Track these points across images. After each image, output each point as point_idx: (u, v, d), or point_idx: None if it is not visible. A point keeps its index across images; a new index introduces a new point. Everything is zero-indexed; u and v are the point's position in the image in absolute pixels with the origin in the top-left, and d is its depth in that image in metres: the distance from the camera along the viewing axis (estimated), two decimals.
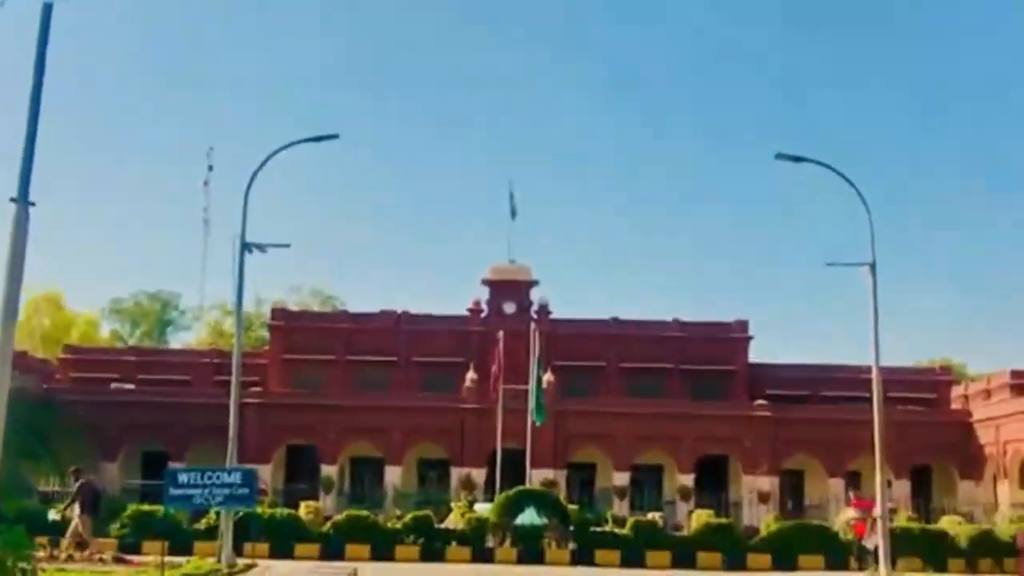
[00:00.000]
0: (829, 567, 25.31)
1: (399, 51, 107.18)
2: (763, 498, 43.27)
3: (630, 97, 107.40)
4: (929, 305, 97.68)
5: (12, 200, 10.33)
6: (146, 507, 27.95)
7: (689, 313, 54.55)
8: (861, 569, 23.11)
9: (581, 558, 26.41)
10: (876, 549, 22.60)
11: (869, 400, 22.45)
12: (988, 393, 50.83)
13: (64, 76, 75.42)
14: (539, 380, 37.97)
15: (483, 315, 51.44)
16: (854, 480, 44.93)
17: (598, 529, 28.93)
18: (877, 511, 22.59)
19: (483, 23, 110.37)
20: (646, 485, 45.29)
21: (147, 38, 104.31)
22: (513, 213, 52.30)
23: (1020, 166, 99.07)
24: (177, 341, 79.21)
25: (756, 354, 53.11)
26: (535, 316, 49.38)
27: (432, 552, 26.51)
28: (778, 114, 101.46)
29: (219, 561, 19.47)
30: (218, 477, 18.25)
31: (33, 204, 10.39)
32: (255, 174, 21.71)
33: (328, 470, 44.48)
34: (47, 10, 10.58)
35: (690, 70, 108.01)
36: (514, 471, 38.11)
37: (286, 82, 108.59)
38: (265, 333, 59.20)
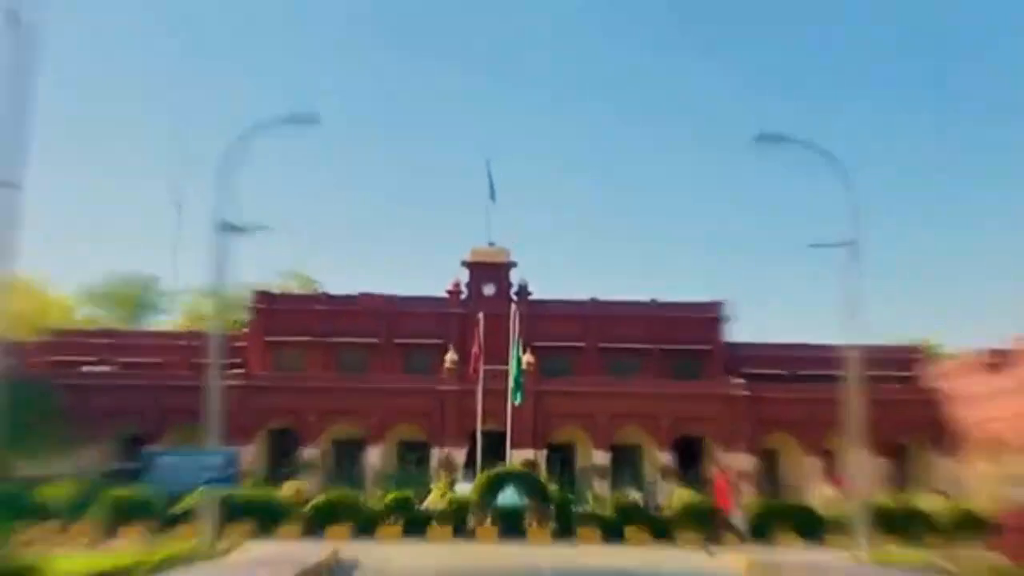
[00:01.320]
0: (807, 545, 25.48)
1: (378, 30, 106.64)
2: (741, 476, 43.48)
3: (611, 80, 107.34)
4: (905, 284, 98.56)
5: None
6: (126, 490, 27.86)
7: (668, 294, 54.61)
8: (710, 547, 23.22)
9: (562, 536, 26.51)
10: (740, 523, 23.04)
11: (846, 379, 22.56)
12: (964, 371, 51.24)
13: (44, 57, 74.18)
14: (518, 361, 38.01)
15: (463, 297, 51.43)
16: (829, 458, 45.39)
17: (578, 509, 29.06)
18: (855, 489, 22.76)
19: (467, 6, 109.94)
20: (626, 464, 45.49)
21: (121, 14, 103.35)
22: (492, 195, 52.24)
23: (1000, 148, 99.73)
24: (154, 324, 78.80)
25: (742, 336, 53.45)
26: (515, 298, 49.38)
27: (413, 531, 26.55)
28: (759, 99, 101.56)
29: (201, 543, 19.40)
30: (199, 459, 18.24)
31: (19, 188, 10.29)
32: (233, 155, 21.54)
33: (310, 452, 44.42)
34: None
35: (672, 55, 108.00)
36: (494, 451, 38.19)
37: (265, 62, 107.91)
38: (244, 316, 58.98)
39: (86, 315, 77.95)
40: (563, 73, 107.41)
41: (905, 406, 46.42)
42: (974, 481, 43.10)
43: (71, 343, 54.47)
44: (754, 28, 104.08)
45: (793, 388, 47.97)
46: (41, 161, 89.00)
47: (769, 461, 47.42)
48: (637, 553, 23.06)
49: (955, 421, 46.42)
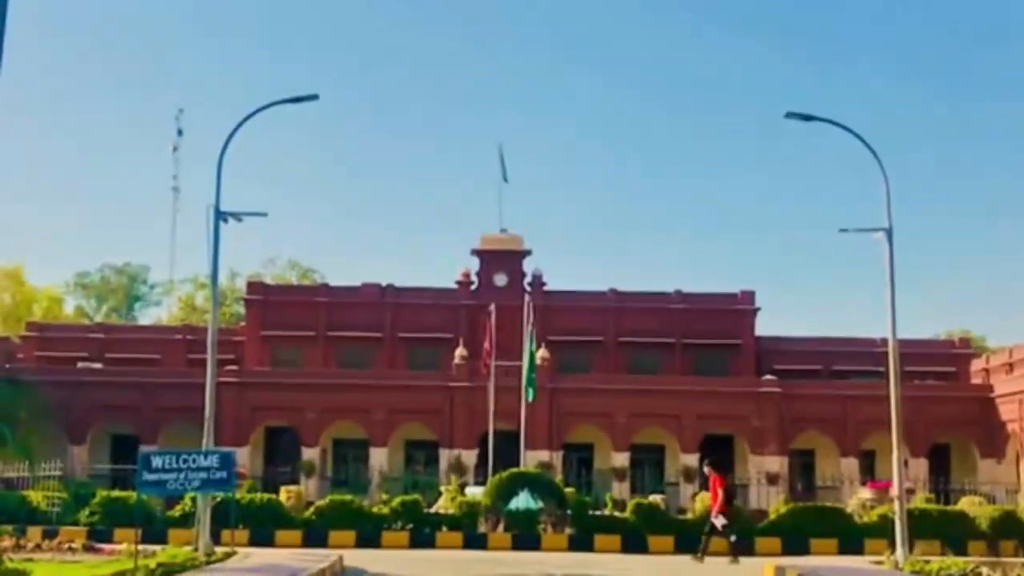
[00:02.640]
0: (843, 551, 25.43)
1: (387, 7, 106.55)
2: (772, 479, 43.46)
3: (632, 59, 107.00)
4: (947, 276, 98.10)
5: None
6: (117, 493, 28.01)
7: (692, 284, 54.60)
8: (699, 553, 23.09)
9: (579, 543, 26.52)
10: (725, 529, 22.92)
11: (884, 375, 22.55)
12: (1010, 367, 51.04)
13: (20, 42, 74.79)
14: (532, 356, 38.02)
15: (473, 287, 51.46)
16: (868, 459, 45.28)
17: (597, 513, 29.05)
18: (894, 492, 22.70)
19: None
20: (647, 466, 45.53)
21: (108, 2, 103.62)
22: (504, 177, 52.26)
23: None
24: (147, 317, 79.38)
25: (764, 327, 53.34)
26: (528, 288, 49.42)
27: (421, 538, 26.58)
28: (789, 79, 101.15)
29: (196, 549, 19.49)
30: (194, 460, 18.28)
31: None
32: (230, 137, 21.58)
33: (310, 452, 44.57)
34: None
35: (695, 35, 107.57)
36: (507, 453, 38.22)
37: (262, 44, 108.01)
38: (240, 308, 59.20)
39: (76, 307, 78.44)
40: (579, 53, 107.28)
41: (947, 404, 46.33)
42: (1021, 484, 42.99)
43: (59, 338, 54.76)
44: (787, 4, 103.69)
45: (828, 385, 47.94)
46: (27, 144, 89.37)
47: (803, 462, 47.42)
48: (658, 561, 23.06)
49: (1000, 420, 46.26)
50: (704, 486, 27.75)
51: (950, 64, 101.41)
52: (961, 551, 24.48)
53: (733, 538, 23.05)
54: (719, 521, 23.26)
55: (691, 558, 22.90)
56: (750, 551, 25.85)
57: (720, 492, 23.70)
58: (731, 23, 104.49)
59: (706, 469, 26.26)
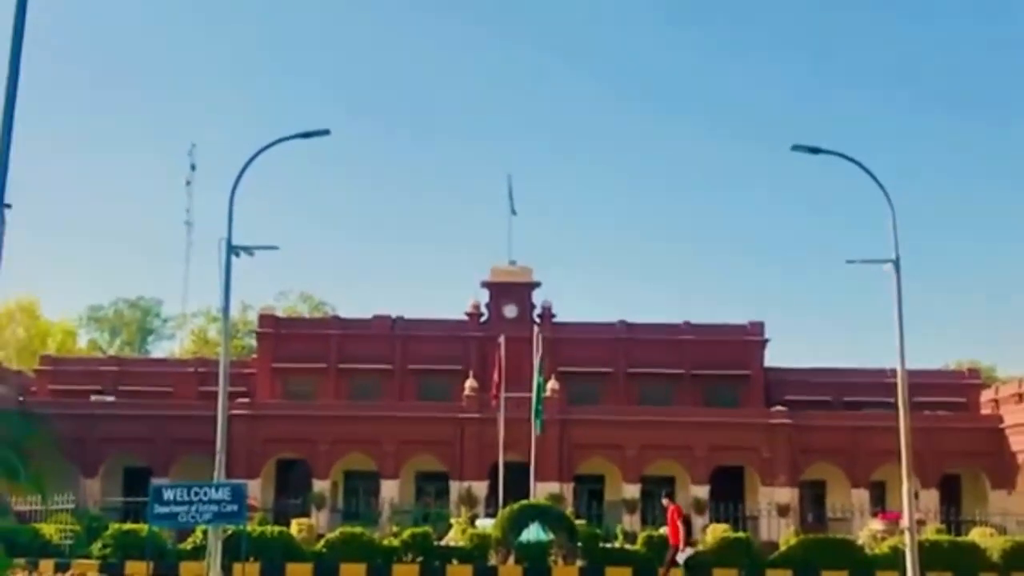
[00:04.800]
0: None
1: (392, 50, 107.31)
2: (782, 511, 43.22)
3: (639, 93, 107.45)
4: (956, 306, 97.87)
5: None
6: (129, 526, 28.00)
7: (701, 315, 54.51)
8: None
9: (590, 575, 26.40)
10: (688, 561, 23.03)
11: (894, 405, 22.46)
12: (1020, 397, 50.74)
13: (38, 75, 75.40)
14: (540, 387, 38.01)
15: (483, 319, 51.48)
16: (878, 490, 45.01)
17: (608, 545, 28.92)
18: (904, 523, 22.60)
19: (484, 22, 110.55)
20: (658, 498, 45.26)
21: (123, 35, 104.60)
22: (513, 210, 52.43)
23: None
24: (159, 350, 79.36)
25: (773, 358, 53.17)
26: (538, 320, 49.43)
27: (431, 571, 26.50)
28: (795, 112, 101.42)
29: None
30: (205, 493, 18.29)
31: (9, 206, 10.41)
32: (242, 172, 21.74)
33: (320, 485, 44.49)
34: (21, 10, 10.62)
35: (701, 66, 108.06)
36: (517, 484, 38.10)
37: (273, 83, 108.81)
38: (252, 341, 59.30)
39: (89, 340, 78.66)
40: (590, 84, 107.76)
41: (957, 434, 46.09)
42: None
43: (73, 371, 54.91)
44: (791, 29, 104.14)
45: (838, 416, 47.77)
46: (41, 178, 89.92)
47: (813, 493, 47.16)
48: None
49: (1010, 450, 46.00)
50: (663, 520, 27.78)
51: (961, 90, 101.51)
52: None
53: (680, 563, 23.38)
54: (684, 554, 23.53)
55: None
56: None
57: (680, 524, 23.94)
58: (743, 51, 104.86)
59: (664, 502, 26.42)
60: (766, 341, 52.61)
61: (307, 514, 38.70)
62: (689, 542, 24.00)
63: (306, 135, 22.50)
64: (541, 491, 38.77)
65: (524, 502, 29.92)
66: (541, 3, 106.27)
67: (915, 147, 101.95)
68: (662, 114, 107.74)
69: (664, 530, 26.50)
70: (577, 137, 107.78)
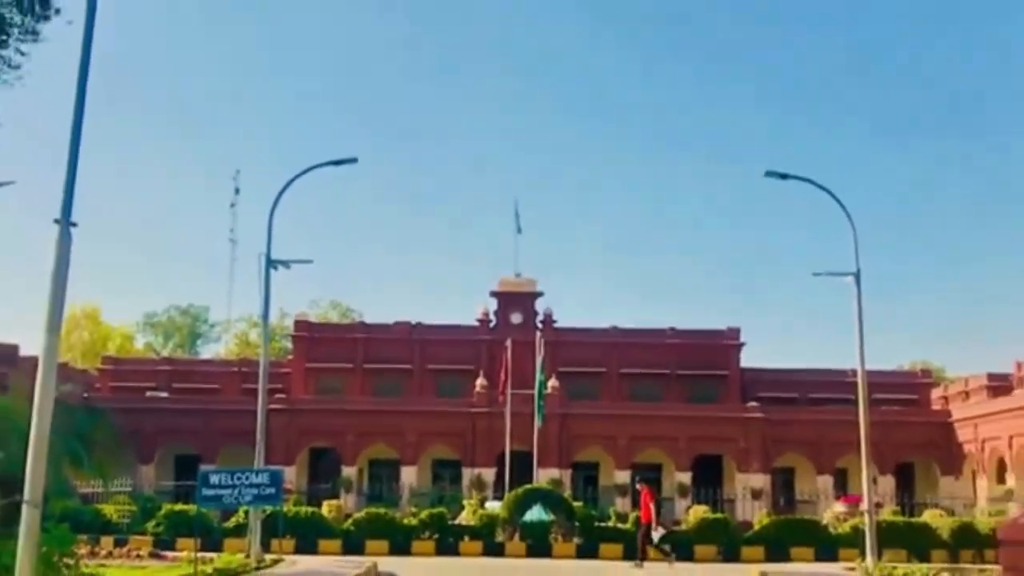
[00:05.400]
0: (819, 559, 25.19)
1: (414, 84, 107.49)
2: (756, 494, 43.09)
3: (632, 127, 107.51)
4: (910, 313, 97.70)
5: (56, 221, 10.37)
6: (179, 506, 28.01)
7: (685, 322, 54.39)
8: (642, 560, 23.11)
9: (586, 551, 26.33)
10: (661, 540, 23.05)
11: (855, 402, 22.38)
12: (967, 394, 50.74)
13: (103, 106, 75.53)
14: (541, 385, 37.95)
15: (492, 325, 51.46)
16: (841, 477, 44.86)
17: (602, 524, 28.85)
18: (864, 505, 22.52)
19: (488, 54, 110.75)
20: (645, 483, 45.11)
21: (180, 76, 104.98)
22: (519, 229, 52.51)
23: (995, 177, 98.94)
24: (207, 352, 79.35)
25: (748, 360, 53.07)
26: (540, 326, 49.38)
27: (446, 546, 26.47)
28: (765, 134, 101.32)
29: (248, 556, 19.46)
30: (247, 478, 18.22)
31: (75, 225, 10.43)
32: (279, 196, 21.78)
33: (348, 471, 44.45)
34: (88, 34, 10.64)
35: (684, 101, 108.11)
36: (522, 471, 38.06)
37: (309, 115, 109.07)
38: (289, 344, 59.28)
39: (145, 343, 78.67)
40: (584, 123, 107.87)
41: (911, 428, 45.96)
42: (977, 498, 42.53)
43: (131, 370, 54.99)
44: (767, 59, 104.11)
45: (806, 411, 47.64)
46: (105, 197, 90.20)
47: (784, 479, 47.04)
48: (655, 567, 22.88)
49: (958, 442, 45.87)
50: (636, 502, 27.64)
51: (915, 121, 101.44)
52: (925, 559, 24.26)
53: (668, 547, 23.30)
54: (658, 532, 23.50)
55: (632, 565, 22.90)
56: (737, 558, 25.69)
57: (651, 506, 23.89)
58: (723, 81, 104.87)
59: (638, 486, 26.30)
60: (742, 344, 52.53)
61: (336, 496, 38.65)
62: (658, 522, 23.98)
63: (336, 163, 22.52)
64: (543, 477, 38.74)
65: (528, 486, 29.88)
66: (537, 36, 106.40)
67: (875, 172, 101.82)
68: (650, 144, 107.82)
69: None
70: (576, 166, 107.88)
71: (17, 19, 14.41)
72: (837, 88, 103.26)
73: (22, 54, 14.67)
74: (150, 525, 26.73)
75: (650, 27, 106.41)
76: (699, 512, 30.09)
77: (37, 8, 14.35)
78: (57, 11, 14.41)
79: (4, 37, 14.44)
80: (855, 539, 24.31)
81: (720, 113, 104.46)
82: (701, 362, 51.29)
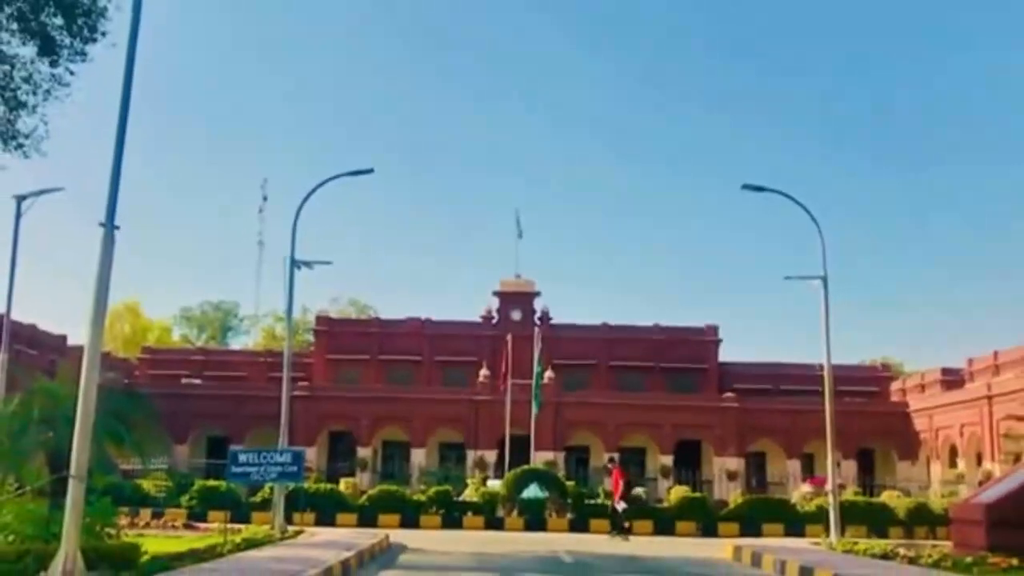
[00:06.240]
0: (787, 534, 25.18)
1: (425, 101, 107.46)
2: (731, 476, 43.11)
3: (612, 139, 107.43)
4: (872, 312, 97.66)
5: (100, 224, 10.36)
6: (211, 482, 28.02)
7: (669, 319, 54.34)
8: (613, 532, 23.19)
9: (578, 525, 26.34)
10: (623, 512, 23.17)
11: (822, 393, 22.36)
12: (923, 387, 50.72)
13: (147, 119, 75.72)
14: (539, 376, 37.93)
15: (494, 321, 51.47)
16: (807, 460, 44.84)
17: (592, 501, 28.86)
18: (828, 487, 22.51)
19: (486, 93, 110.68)
20: (632, 464, 45.08)
21: (213, 92, 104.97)
22: (519, 234, 52.52)
23: (943, 187, 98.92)
24: (237, 343, 79.23)
25: (725, 354, 53.08)
26: (538, 322, 49.39)
27: (451, 520, 26.47)
28: (747, 154, 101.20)
29: (273, 528, 19.46)
30: (272, 457, 18.23)
31: (118, 228, 10.42)
32: (302, 204, 21.72)
33: (363, 452, 44.47)
34: (131, 54, 10.63)
35: (669, 119, 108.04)
36: (520, 453, 38.02)
37: (329, 127, 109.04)
38: (311, 337, 59.28)
39: (181, 335, 78.61)
40: (576, 139, 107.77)
41: (872, 417, 45.98)
42: (930, 481, 42.53)
43: (168, 359, 54.98)
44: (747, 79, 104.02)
45: (777, 401, 47.64)
46: (144, 201, 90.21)
47: (756, 462, 47.05)
48: (638, 540, 22.88)
49: (914, 430, 45.87)
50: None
51: (881, 136, 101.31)
52: (883, 535, 24.25)
53: (627, 524, 23.32)
54: (620, 506, 23.59)
55: (609, 536, 22.93)
56: (714, 533, 25.67)
57: (621, 483, 23.92)
58: (704, 99, 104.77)
59: (609, 465, 26.30)
60: (720, 340, 52.55)
61: (353, 475, 38.66)
62: (627, 499, 24.08)
63: (354, 173, 22.46)
64: (539, 458, 38.67)
65: (525, 467, 29.88)
66: (533, 68, 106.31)
67: (841, 183, 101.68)
68: (637, 157, 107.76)
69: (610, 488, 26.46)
70: (570, 176, 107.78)
71: (67, 41, 14.44)
72: (812, 105, 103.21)
73: (71, 73, 14.71)
74: (184, 499, 26.73)
75: (645, 43, 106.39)
76: (680, 492, 30.08)
77: (85, 31, 14.38)
78: (103, 34, 14.46)
79: (55, 57, 14.47)
80: (820, 517, 24.32)
81: (703, 127, 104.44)
82: (683, 356, 51.34)
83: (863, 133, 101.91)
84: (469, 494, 30.23)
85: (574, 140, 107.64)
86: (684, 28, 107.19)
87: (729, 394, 46.73)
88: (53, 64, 14.50)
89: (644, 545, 21.54)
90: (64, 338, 45.45)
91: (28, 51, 14.45)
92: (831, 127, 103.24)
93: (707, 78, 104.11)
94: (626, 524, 23.52)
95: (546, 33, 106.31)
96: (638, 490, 31.80)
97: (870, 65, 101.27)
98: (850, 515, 23.94)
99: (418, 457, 44.33)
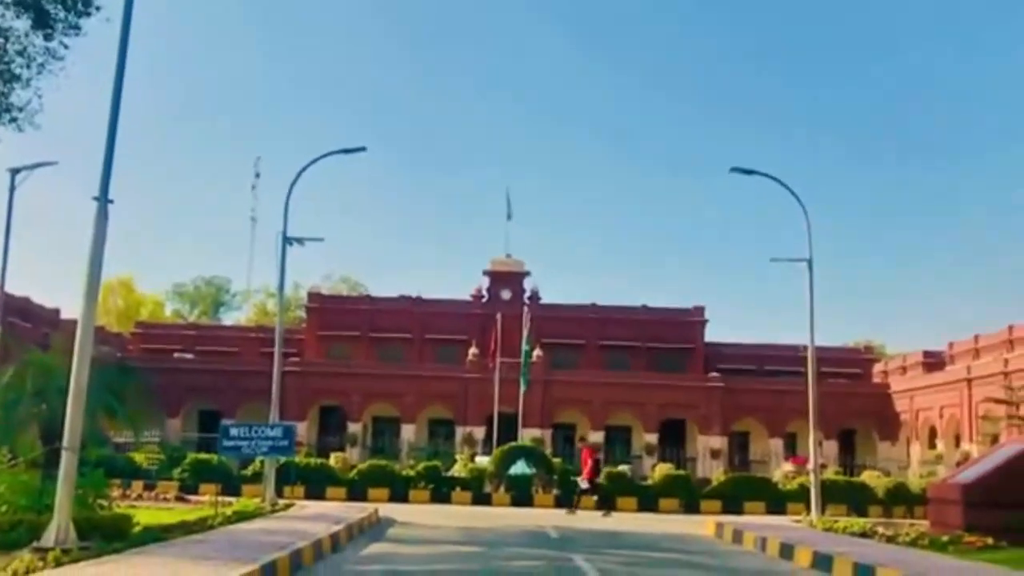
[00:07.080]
0: (769, 511, 25.33)
1: (426, 78, 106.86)
2: (715, 454, 43.37)
3: (602, 125, 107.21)
4: (855, 295, 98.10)
5: (94, 199, 10.29)
6: (203, 456, 27.97)
7: (656, 300, 54.56)
8: (574, 509, 23.30)
9: (564, 501, 26.42)
10: (590, 491, 23.36)
11: (805, 374, 22.45)
12: (904, 369, 51.07)
13: (141, 95, 74.86)
14: (527, 354, 37.96)
15: (484, 300, 51.49)
16: (790, 439, 45.12)
17: (577, 478, 28.91)
18: (810, 466, 22.64)
19: (481, 81, 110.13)
20: (618, 442, 45.42)
21: (209, 70, 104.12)
22: (509, 215, 52.41)
23: (930, 178, 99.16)
24: (228, 319, 79.05)
25: (711, 335, 53.24)
26: (527, 302, 49.43)
27: (440, 495, 26.52)
28: (734, 137, 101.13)
29: (263, 501, 19.47)
30: (263, 431, 18.21)
31: (111, 202, 10.35)
32: (295, 181, 21.56)
33: (354, 427, 44.55)
34: (126, 28, 10.52)
35: (660, 113, 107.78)
36: (508, 430, 38.18)
37: (322, 110, 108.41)
38: (302, 313, 59.19)
39: (173, 310, 78.34)
40: (566, 129, 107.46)
41: (853, 398, 46.27)
42: (910, 461, 42.88)
43: (160, 334, 54.84)
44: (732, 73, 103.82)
45: (761, 381, 47.89)
46: (138, 176, 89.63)
47: (740, 441, 47.32)
48: (621, 516, 23.00)
49: (895, 411, 46.17)
50: (579, 459, 27.85)
51: (866, 125, 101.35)
52: (863, 513, 24.38)
53: (595, 497, 23.65)
54: (584, 485, 23.77)
55: (566, 512, 23.07)
56: (696, 511, 25.79)
57: (590, 462, 24.05)
58: (686, 92, 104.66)
59: (579, 444, 26.37)
60: (706, 321, 52.70)
61: (343, 449, 38.73)
62: (594, 479, 24.24)
63: (347, 151, 22.30)
64: (526, 435, 38.82)
65: (513, 444, 29.95)
66: (532, 67, 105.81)
67: (828, 172, 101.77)
68: (626, 141, 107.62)
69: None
70: (560, 160, 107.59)
71: (61, 15, 14.28)
72: (804, 100, 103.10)
73: (65, 47, 14.57)
74: (176, 472, 26.69)
75: (631, 38, 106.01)
76: (664, 469, 30.20)
77: (80, 5, 14.23)
78: (98, 8, 14.31)
79: (50, 31, 14.32)
80: (802, 495, 24.45)
81: (689, 120, 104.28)
82: (669, 336, 51.47)
83: (850, 125, 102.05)
84: (458, 470, 30.27)
85: (565, 125, 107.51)
86: (669, 16, 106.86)
87: (714, 374, 46.94)
88: (47, 38, 14.35)
89: (628, 521, 21.65)
90: (57, 311, 45.25)
91: (22, 24, 14.30)
92: (818, 118, 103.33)
93: (699, 69, 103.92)
94: (595, 497, 23.67)
95: (537, 24, 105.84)
96: (623, 467, 31.97)
97: (857, 60, 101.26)
98: (831, 494, 24.08)
99: (408, 433, 44.42)
